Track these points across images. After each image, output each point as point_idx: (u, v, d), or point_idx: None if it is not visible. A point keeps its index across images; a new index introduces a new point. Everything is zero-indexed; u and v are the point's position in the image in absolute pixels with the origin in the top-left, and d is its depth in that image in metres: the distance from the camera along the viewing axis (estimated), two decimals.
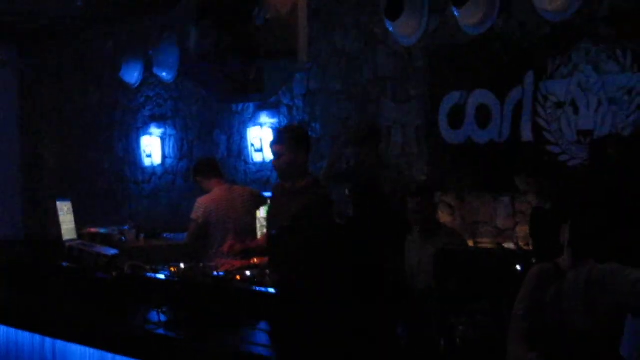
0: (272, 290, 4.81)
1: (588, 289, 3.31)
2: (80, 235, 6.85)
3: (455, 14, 7.24)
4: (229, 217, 7.17)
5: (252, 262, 5.98)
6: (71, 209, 6.65)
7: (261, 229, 7.55)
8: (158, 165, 11.18)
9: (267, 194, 8.47)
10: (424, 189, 6.51)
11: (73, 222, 6.61)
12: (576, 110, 6.53)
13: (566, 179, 6.48)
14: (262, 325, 4.57)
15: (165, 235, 8.73)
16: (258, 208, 7.47)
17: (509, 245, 6.41)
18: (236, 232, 6.78)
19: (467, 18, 7.21)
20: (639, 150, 4.88)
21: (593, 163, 4.91)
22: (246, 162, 9.83)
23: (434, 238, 6.02)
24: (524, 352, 3.49)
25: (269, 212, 6.24)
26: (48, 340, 5.50)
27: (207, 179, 7.54)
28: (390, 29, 7.84)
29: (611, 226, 3.41)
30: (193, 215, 7.31)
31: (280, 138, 5.89)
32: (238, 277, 5.27)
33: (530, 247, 6.11)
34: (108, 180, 12.07)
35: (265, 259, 5.81)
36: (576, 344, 3.34)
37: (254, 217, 7.35)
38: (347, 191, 7.02)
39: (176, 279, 5.34)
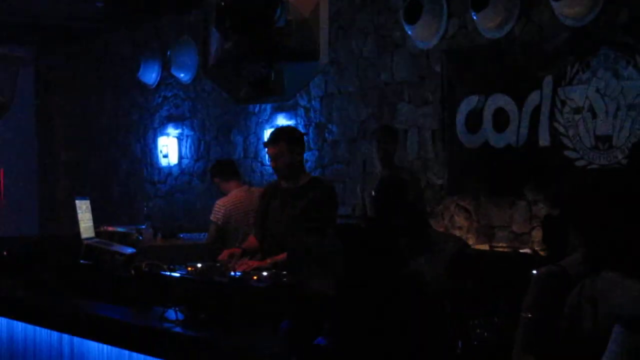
0: (289, 290, 4.83)
1: (593, 299, 3.30)
2: (97, 233, 6.88)
3: (474, 17, 7.25)
4: (249, 218, 7.19)
5: (268, 261, 5.98)
6: (89, 207, 6.68)
7: None
8: (174, 166, 11.23)
9: None
10: (415, 221, 6.40)
11: (91, 221, 6.64)
12: (594, 116, 6.53)
13: (577, 185, 6.47)
14: (280, 324, 4.58)
15: (181, 235, 8.76)
16: None
17: (526, 250, 6.42)
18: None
19: (485, 22, 7.22)
20: None
21: (633, 165, 4.87)
22: (262, 163, 9.87)
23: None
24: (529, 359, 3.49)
25: (262, 212, 6.15)
26: (66, 337, 5.52)
27: (225, 180, 7.56)
28: (409, 32, 7.86)
29: (632, 235, 3.39)
30: (213, 218, 7.32)
31: (277, 139, 5.90)
32: (255, 277, 5.28)
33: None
34: (124, 179, 12.13)
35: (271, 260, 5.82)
36: (584, 354, 3.33)
37: None
38: (372, 192, 7.00)
39: (193, 278, 5.36)
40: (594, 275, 3.36)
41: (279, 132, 6.07)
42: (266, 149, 6.09)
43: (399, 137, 7.59)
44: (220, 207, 7.32)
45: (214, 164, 8.21)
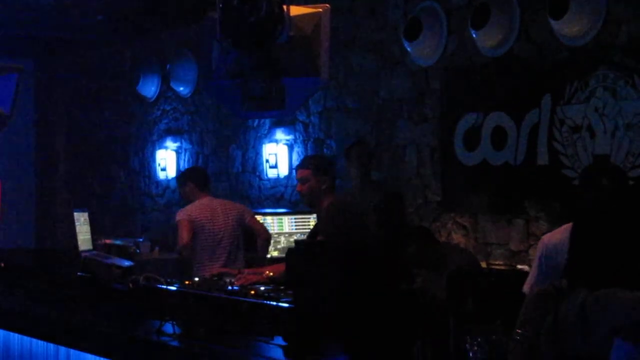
0: (286, 305, 4.84)
1: (583, 313, 3.31)
2: (95, 246, 6.88)
3: (474, 35, 7.28)
4: (220, 228, 7.14)
5: (265, 275, 5.98)
6: (88, 220, 6.70)
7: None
8: (172, 179, 11.23)
9: (281, 210, 8.51)
10: (422, 233, 6.38)
11: (89, 233, 6.66)
12: (592, 135, 6.55)
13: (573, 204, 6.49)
14: (277, 339, 4.59)
15: None
16: (245, 221, 7.40)
17: (523, 267, 6.43)
18: (228, 245, 6.77)
19: (485, 40, 7.24)
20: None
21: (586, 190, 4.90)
22: (260, 178, 9.87)
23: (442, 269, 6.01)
24: None
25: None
26: (62, 350, 5.53)
27: (198, 188, 7.41)
28: (409, 49, 7.88)
29: (607, 255, 3.41)
30: (177, 217, 7.18)
31: (304, 164, 6.15)
32: (253, 292, 5.29)
33: None
34: (122, 192, 12.13)
35: (277, 272, 5.83)
36: None
37: (242, 231, 7.37)
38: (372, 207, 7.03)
39: (191, 292, 5.37)
40: (575, 292, 3.38)
41: (308, 159, 6.46)
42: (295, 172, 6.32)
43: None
44: (181, 210, 7.22)
45: (190, 168, 8.09)
